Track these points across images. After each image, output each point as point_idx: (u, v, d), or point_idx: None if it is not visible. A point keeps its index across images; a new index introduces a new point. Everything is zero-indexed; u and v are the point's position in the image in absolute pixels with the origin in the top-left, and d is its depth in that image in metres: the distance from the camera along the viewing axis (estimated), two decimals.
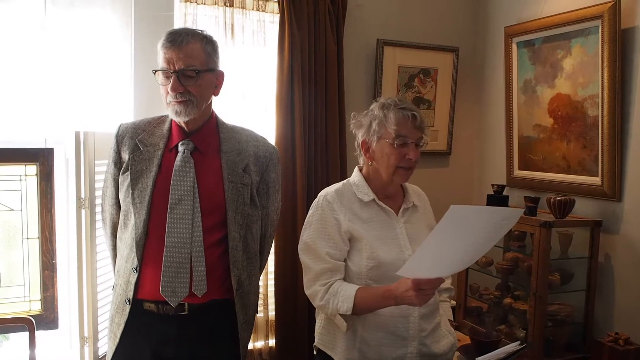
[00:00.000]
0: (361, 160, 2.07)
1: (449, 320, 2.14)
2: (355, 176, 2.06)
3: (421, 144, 1.96)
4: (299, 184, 3.32)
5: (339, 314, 1.88)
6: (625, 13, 2.87)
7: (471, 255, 1.75)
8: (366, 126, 1.99)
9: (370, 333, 1.92)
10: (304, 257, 1.99)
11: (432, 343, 1.98)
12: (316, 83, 3.37)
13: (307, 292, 1.98)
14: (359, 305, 1.84)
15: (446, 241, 1.60)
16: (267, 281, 3.39)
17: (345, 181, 2.08)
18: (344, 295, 1.86)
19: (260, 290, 3.19)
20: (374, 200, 2.00)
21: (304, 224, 2.03)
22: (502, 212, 1.70)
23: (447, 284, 2.18)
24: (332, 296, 1.88)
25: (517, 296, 3.24)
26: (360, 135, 2.02)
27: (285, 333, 3.37)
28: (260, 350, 3.44)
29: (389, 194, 2.04)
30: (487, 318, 3.43)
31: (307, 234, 1.99)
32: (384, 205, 2.00)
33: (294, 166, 3.32)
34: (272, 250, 3.16)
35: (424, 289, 1.70)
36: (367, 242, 1.93)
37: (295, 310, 3.35)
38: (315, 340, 2.09)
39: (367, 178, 2.03)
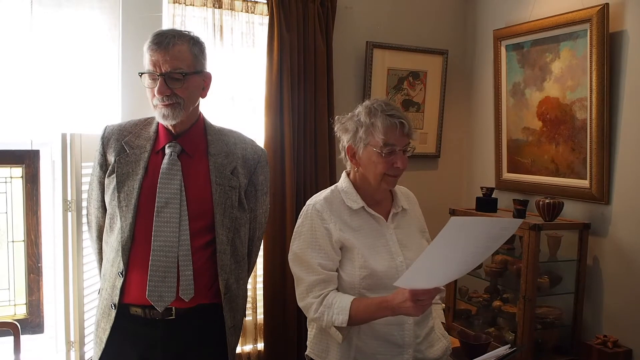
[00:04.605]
0: (348, 165, 2.03)
1: (442, 323, 2.12)
2: (344, 182, 2.02)
3: (408, 150, 1.93)
4: (288, 186, 3.30)
5: (334, 326, 1.86)
6: (613, 17, 2.88)
7: (469, 264, 1.73)
8: (352, 132, 1.93)
9: (365, 342, 1.90)
10: (295, 268, 1.95)
11: (426, 349, 1.96)
12: (305, 85, 3.36)
13: (300, 304, 1.94)
14: (355, 316, 1.81)
15: (445, 252, 1.58)
16: (256, 284, 3.37)
17: (333, 187, 2.04)
18: (339, 307, 1.82)
19: (249, 293, 3.19)
20: (363, 207, 1.96)
21: (294, 233, 1.99)
22: (501, 223, 1.68)
23: None
24: (326, 308, 1.85)
25: (506, 299, 3.24)
26: (345, 140, 1.97)
27: (274, 337, 3.35)
28: (248, 354, 3.42)
29: (378, 199, 2.01)
30: (476, 321, 3.44)
31: (297, 245, 1.95)
32: (373, 213, 1.97)
33: (283, 168, 3.31)
34: (261, 253, 3.15)
35: (422, 299, 1.68)
36: (359, 251, 1.90)
37: (284, 313, 3.33)
38: (307, 349, 2.06)
39: (355, 184, 1.99)
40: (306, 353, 2.06)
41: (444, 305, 2.23)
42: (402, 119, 1.88)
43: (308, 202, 2.01)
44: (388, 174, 1.91)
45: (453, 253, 1.61)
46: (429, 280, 1.67)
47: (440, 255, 1.58)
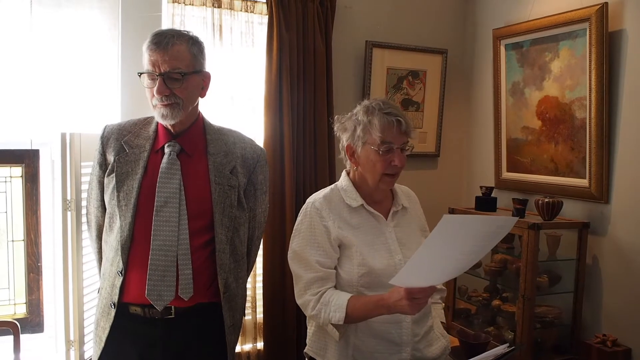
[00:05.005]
0: (347, 165, 2.04)
1: (441, 322, 2.12)
2: (343, 181, 2.03)
3: (407, 149, 1.93)
4: (287, 185, 3.30)
5: (331, 324, 1.86)
6: (612, 16, 2.88)
7: (465, 263, 1.72)
8: (350, 131, 1.95)
9: (363, 340, 1.91)
10: (294, 266, 1.96)
11: (425, 347, 1.96)
12: (305, 85, 3.36)
13: (298, 301, 1.95)
14: (351, 314, 1.82)
15: (439, 250, 1.57)
16: (256, 284, 3.37)
17: (333, 186, 2.05)
18: (336, 304, 1.83)
19: (249, 292, 3.19)
20: (362, 205, 1.97)
21: (293, 231, 2.00)
22: (496, 221, 1.65)
23: (439, 284, 2.16)
24: (323, 306, 1.86)
25: (506, 298, 3.25)
26: (344, 139, 1.99)
27: (274, 336, 3.35)
28: (248, 353, 3.42)
29: (377, 199, 2.02)
30: (476, 320, 3.44)
31: (296, 242, 1.96)
32: (372, 210, 1.98)
33: (283, 167, 3.31)
34: (260, 252, 3.15)
35: (417, 298, 1.68)
36: (357, 248, 1.91)
37: (284, 312, 3.34)
38: (306, 347, 2.07)
39: (355, 183, 2.00)
40: (305, 350, 2.07)
41: (443, 304, 2.23)
42: (399, 117, 1.89)
43: (308, 200, 2.02)
44: (386, 174, 1.91)
45: (448, 252, 1.60)
46: (424, 279, 1.67)
47: (435, 253, 1.57)
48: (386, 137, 1.87)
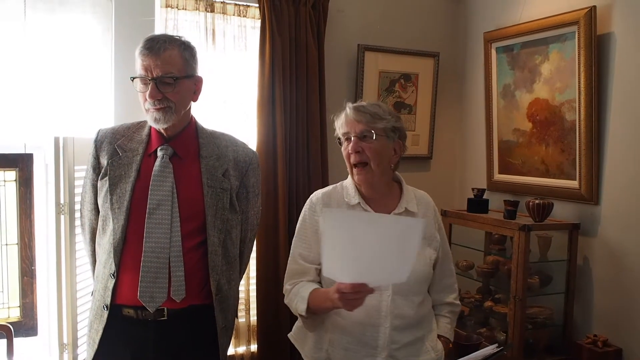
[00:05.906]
0: None
1: (443, 336, 2.07)
2: (348, 179, 2.07)
3: (371, 136, 1.91)
4: (280, 189, 3.32)
5: (299, 314, 1.94)
6: (601, 19, 2.91)
7: (395, 265, 1.68)
8: None
9: (337, 335, 1.94)
10: (289, 256, 2.06)
11: (405, 357, 1.92)
12: (297, 88, 3.38)
13: (283, 290, 2.05)
14: (312, 305, 1.89)
15: (342, 246, 1.61)
16: (249, 286, 3.39)
17: (338, 184, 2.09)
18: (301, 295, 1.92)
19: (242, 295, 3.20)
20: (359, 204, 1.99)
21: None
22: (391, 220, 1.73)
23: (449, 298, 2.12)
24: (294, 296, 1.96)
25: (498, 299, 3.27)
26: None
27: (267, 338, 3.36)
28: (242, 355, 3.43)
29: (372, 197, 2.01)
30: (469, 321, 3.45)
31: (295, 234, 2.06)
32: (369, 210, 1.99)
33: (275, 171, 3.32)
34: (254, 254, 3.17)
35: (346, 294, 1.69)
36: None
37: (277, 315, 3.34)
38: (291, 331, 2.12)
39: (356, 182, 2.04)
40: (289, 335, 2.12)
41: (449, 318, 2.18)
42: (350, 107, 1.95)
43: (311, 195, 2.09)
44: (354, 165, 1.96)
45: (356, 248, 1.62)
46: (347, 275, 1.68)
47: (338, 249, 1.63)
48: (342, 128, 1.96)
